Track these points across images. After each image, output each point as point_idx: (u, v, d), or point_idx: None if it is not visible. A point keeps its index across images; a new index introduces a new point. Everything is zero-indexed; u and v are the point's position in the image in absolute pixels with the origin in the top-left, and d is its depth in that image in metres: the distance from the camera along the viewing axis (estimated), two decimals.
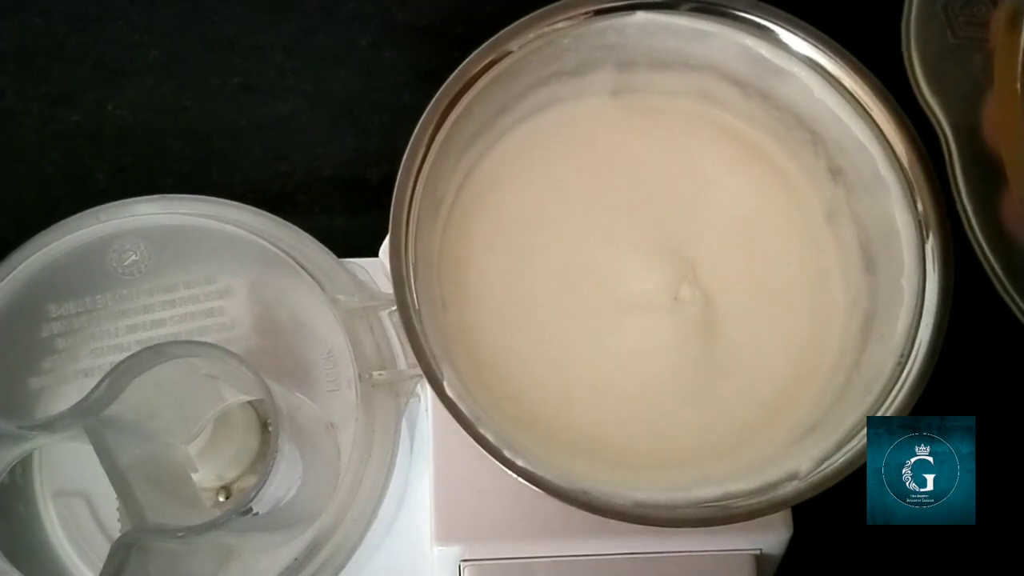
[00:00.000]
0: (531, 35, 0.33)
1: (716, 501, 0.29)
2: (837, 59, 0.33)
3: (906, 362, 0.30)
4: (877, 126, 0.33)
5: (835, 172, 0.35)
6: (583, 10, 0.33)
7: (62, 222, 0.36)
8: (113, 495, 0.32)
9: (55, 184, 0.44)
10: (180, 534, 0.30)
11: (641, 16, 0.34)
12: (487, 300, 0.34)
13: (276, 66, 0.46)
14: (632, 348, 0.34)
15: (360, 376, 0.35)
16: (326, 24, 0.46)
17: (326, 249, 0.38)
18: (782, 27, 0.34)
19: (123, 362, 0.31)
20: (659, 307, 0.34)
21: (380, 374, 0.36)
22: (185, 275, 0.37)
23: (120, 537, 0.30)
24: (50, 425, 0.31)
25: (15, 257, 0.36)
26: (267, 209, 0.38)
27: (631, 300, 0.34)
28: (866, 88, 0.33)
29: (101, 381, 0.31)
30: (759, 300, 0.35)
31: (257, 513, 0.32)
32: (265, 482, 0.31)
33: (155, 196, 0.37)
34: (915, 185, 0.32)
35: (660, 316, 0.34)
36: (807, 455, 0.30)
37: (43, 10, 0.46)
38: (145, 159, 0.45)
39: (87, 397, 0.31)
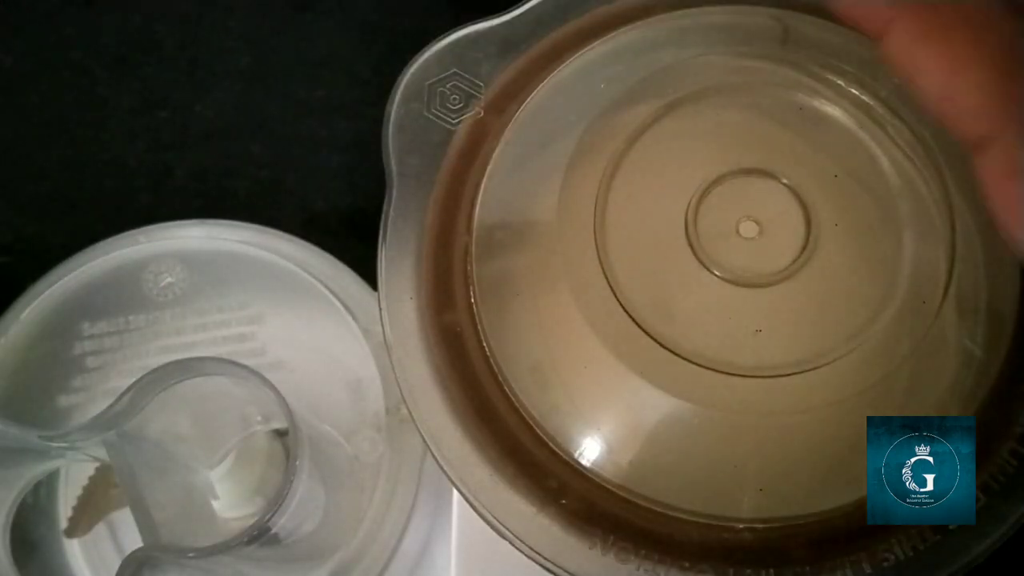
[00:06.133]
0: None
1: None
2: None
3: None
4: None
5: None
6: None
7: (102, 242, 0.37)
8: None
9: (136, 176, 0.45)
10: (191, 555, 0.30)
11: None
12: None
13: (362, 84, 0.46)
14: None
15: (388, 410, 0.35)
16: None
17: (362, 280, 0.37)
18: None
19: (147, 375, 0.31)
20: None
21: None
22: (219, 300, 0.37)
23: (131, 553, 0.30)
24: (70, 436, 0.31)
25: (54, 273, 0.36)
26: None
27: None
28: None
29: (124, 393, 0.31)
30: None
31: (276, 533, 0.31)
32: (281, 505, 0.30)
33: (196, 220, 0.38)
34: None
35: None
36: None
37: (144, 10, 0.47)
38: (225, 160, 0.45)
39: (109, 408, 0.31)
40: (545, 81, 0.29)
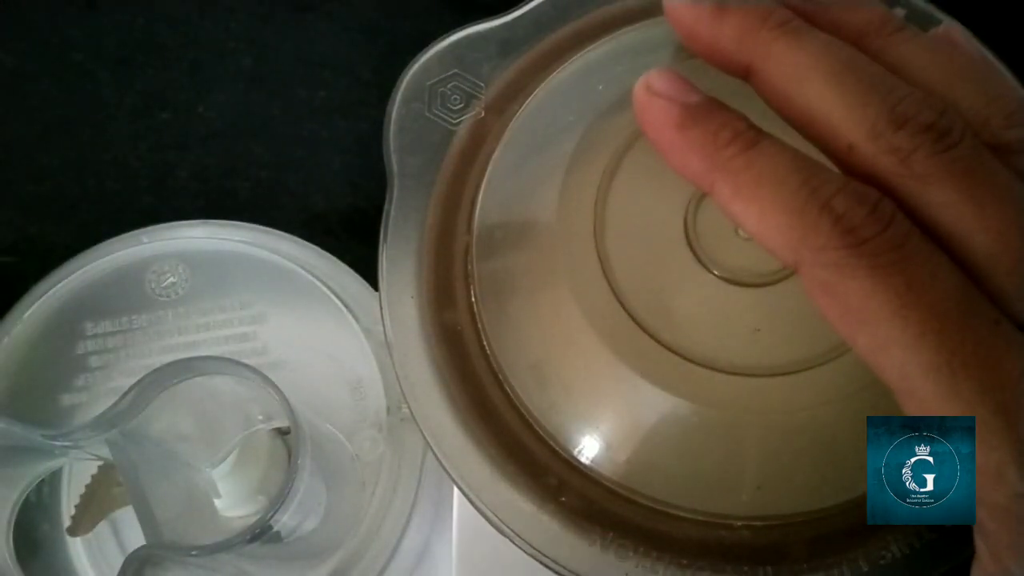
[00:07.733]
0: None
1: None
2: None
3: None
4: None
5: None
6: None
7: (105, 242, 0.37)
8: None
9: (139, 176, 0.45)
10: (194, 552, 0.30)
11: None
12: None
13: (362, 85, 0.47)
14: None
15: (389, 409, 0.35)
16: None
17: (363, 280, 0.38)
18: None
19: (150, 374, 0.31)
20: None
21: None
22: (221, 299, 0.37)
23: (133, 552, 0.30)
24: (73, 435, 0.31)
25: (57, 273, 0.36)
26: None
27: None
28: None
29: (127, 392, 0.31)
30: None
31: (278, 531, 0.31)
32: (283, 503, 0.30)
33: (198, 220, 0.38)
34: None
35: None
36: None
37: (146, 12, 0.48)
38: (226, 161, 0.46)
39: (112, 408, 0.31)
40: (545, 82, 0.30)
